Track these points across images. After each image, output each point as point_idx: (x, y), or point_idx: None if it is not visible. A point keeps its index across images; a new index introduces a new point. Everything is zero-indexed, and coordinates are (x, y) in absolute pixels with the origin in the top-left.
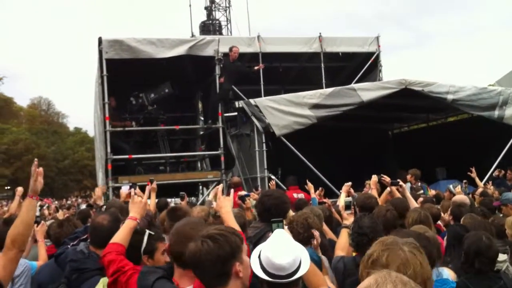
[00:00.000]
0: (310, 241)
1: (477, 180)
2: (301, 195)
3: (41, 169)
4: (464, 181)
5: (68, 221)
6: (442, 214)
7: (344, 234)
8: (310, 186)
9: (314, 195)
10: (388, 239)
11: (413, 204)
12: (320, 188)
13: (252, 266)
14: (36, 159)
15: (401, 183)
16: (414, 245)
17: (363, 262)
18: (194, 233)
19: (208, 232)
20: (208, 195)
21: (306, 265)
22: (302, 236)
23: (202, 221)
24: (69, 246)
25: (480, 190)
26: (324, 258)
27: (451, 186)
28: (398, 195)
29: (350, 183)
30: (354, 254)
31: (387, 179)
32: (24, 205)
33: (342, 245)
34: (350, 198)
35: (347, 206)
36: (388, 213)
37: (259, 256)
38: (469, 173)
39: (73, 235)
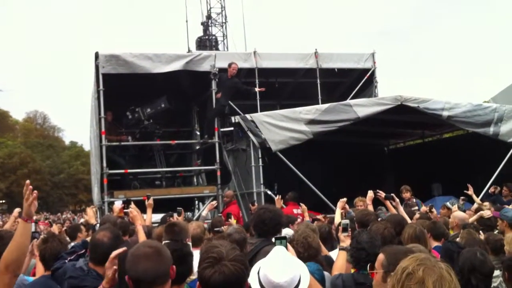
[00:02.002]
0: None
1: (474, 197)
2: (299, 211)
3: (35, 192)
4: (462, 197)
5: (53, 237)
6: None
7: (342, 256)
8: (304, 208)
9: (308, 217)
10: (421, 255)
11: (406, 218)
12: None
13: (251, 282)
14: (28, 181)
15: (394, 197)
16: (447, 265)
17: (396, 275)
18: (152, 251)
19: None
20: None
21: (305, 283)
22: (303, 255)
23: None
24: (66, 261)
25: (475, 206)
26: (326, 275)
27: (448, 203)
28: (393, 211)
29: (345, 199)
30: (352, 271)
31: (382, 194)
32: (19, 229)
33: (339, 267)
34: (347, 221)
35: (344, 229)
36: (385, 231)
37: (258, 273)
38: (465, 191)
39: (70, 250)
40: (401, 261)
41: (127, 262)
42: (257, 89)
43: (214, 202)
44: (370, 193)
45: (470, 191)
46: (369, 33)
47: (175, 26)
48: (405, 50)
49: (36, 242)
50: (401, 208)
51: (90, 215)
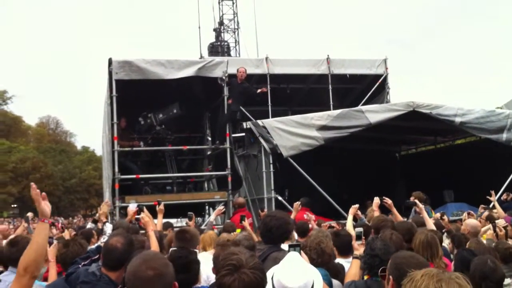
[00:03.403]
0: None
1: (496, 204)
2: (312, 217)
3: (43, 193)
4: (482, 205)
5: (74, 241)
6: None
7: (355, 264)
8: (310, 217)
9: (315, 225)
10: (432, 270)
11: (430, 225)
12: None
13: None
14: (32, 183)
15: (418, 203)
16: (459, 274)
17: None
18: (153, 274)
19: (250, 264)
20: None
21: None
22: (316, 261)
23: (162, 257)
24: (80, 266)
25: (486, 214)
26: (336, 283)
27: (454, 216)
28: (400, 218)
29: (357, 206)
30: (366, 277)
31: (388, 201)
32: (37, 230)
33: (353, 275)
34: (361, 229)
35: (358, 237)
36: (393, 236)
37: (272, 279)
38: (488, 197)
39: (85, 255)
40: (415, 280)
41: (127, 279)
42: (259, 91)
43: (222, 207)
44: (377, 200)
45: (493, 198)
46: (381, 39)
47: (187, 33)
48: (415, 57)
49: (50, 247)
50: (425, 215)
51: (104, 210)
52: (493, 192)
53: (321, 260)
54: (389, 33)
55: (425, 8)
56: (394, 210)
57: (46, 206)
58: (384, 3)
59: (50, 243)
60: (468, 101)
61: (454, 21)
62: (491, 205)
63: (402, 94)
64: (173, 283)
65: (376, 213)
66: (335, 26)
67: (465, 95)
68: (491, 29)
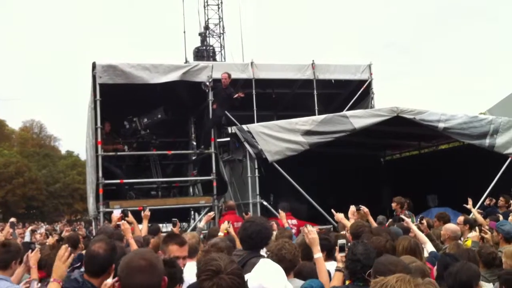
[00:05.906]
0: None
1: (473, 211)
2: (294, 221)
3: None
4: (478, 210)
5: (59, 246)
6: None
7: (337, 277)
8: (282, 215)
9: (287, 224)
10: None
11: (420, 237)
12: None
13: None
14: (65, 245)
15: (405, 219)
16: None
17: None
18: (146, 264)
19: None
20: (199, 221)
21: None
22: None
23: (152, 251)
24: None
25: (461, 219)
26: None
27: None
28: (374, 224)
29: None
30: (348, 282)
31: (365, 209)
32: None
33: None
34: (344, 240)
35: (341, 248)
36: (387, 244)
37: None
38: (465, 205)
39: None
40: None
41: (121, 270)
42: (235, 96)
43: (212, 213)
44: (352, 208)
45: (469, 205)
46: (379, 42)
47: (172, 37)
48: (414, 59)
49: (32, 254)
50: (414, 227)
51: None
52: (469, 199)
53: (284, 266)
54: (386, 35)
55: (423, 10)
56: (370, 218)
57: (65, 269)
58: (381, 5)
59: (32, 249)
60: (468, 102)
61: (454, 22)
62: (461, 216)
63: (400, 97)
64: (163, 277)
65: (352, 220)
66: (326, 30)
67: (464, 96)
68: (490, 30)
